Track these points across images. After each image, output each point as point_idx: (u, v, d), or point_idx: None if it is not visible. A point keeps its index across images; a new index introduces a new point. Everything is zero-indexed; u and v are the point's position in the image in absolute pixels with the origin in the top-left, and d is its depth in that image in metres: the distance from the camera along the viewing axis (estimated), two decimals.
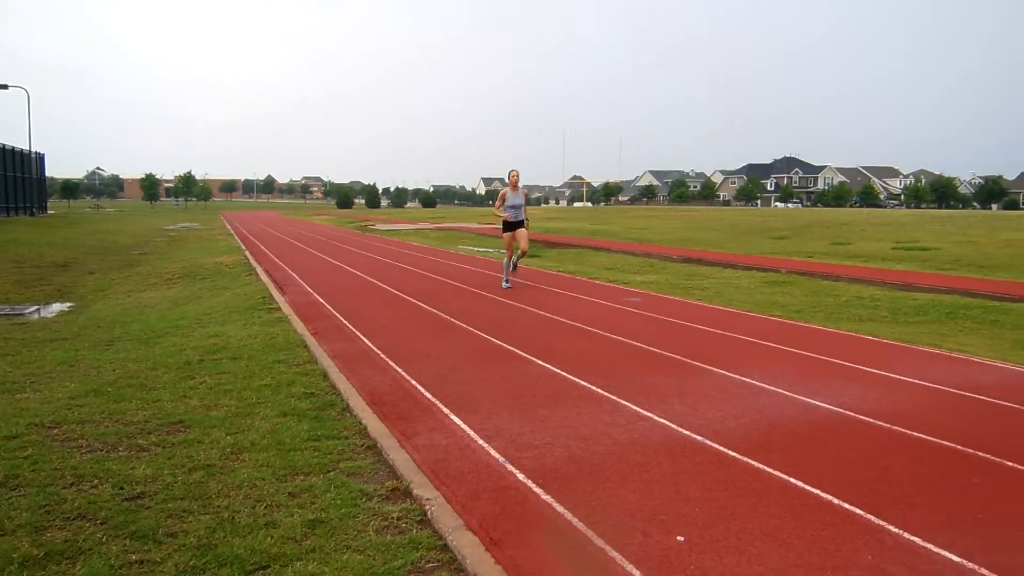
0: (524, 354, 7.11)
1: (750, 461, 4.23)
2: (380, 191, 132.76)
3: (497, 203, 12.20)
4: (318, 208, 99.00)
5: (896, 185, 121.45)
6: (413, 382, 6.04)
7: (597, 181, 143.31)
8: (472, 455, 4.34)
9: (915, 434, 4.74)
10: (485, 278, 14.26)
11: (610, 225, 38.93)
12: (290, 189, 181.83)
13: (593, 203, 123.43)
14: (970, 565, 3.05)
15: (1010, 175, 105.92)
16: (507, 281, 12.33)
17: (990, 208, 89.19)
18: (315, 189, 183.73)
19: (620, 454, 4.34)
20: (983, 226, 30.89)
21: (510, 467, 4.13)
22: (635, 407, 5.30)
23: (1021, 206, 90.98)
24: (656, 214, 54.52)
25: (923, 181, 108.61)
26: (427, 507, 3.62)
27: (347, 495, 3.79)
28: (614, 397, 5.56)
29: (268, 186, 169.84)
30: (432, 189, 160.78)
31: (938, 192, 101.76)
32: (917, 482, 3.96)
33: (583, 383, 5.98)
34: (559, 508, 3.58)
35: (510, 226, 12.11)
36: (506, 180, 12.37)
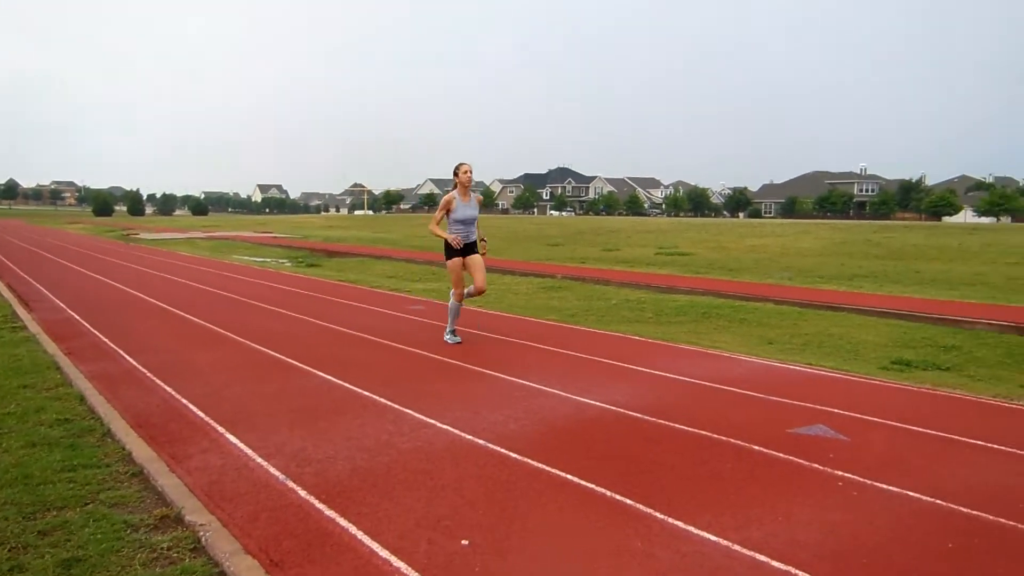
0: (304, 366, 6.91)
1: (530, 461, 4.38)
2: (144, 198, 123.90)
3: (438, 214, 7.95)
4: (72, 216, 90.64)
5: (658, 195, 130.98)
6: (184, 401, 5.68)
7: (378, 189, 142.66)
8: (250, 474, 4.15)
9: (677, 426, 5.13)
10: (260, 289, 13.72)
11: (392, 233, 38.83)
12: (37, 195, 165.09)
13: (374, 211, 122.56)
14: (724, 542, 3.34)
15: (753, 187, 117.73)
16: (453, 332, 8.27)
17: (737, 216, 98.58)
18: (68, 195, 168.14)
19: (405, 463, 4.33)
20: (731, 233, 34.04)
21: (291, 484, 3.99)
22: (419, 415, 5.31)
23: (763, 215, 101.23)
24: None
25: (681, 191, 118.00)
26: (201, 533, 3.42)
27: (109, 528, 3.49)
28: (398, 406, 5.54)
29: (10, 191, 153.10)
30: (203, 196, 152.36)
31: (694, 201, 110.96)
32: (679, 470, 4.28)
33: (366, 393, 5.92)
34: (343, 523, 3.51)
35: (457, 250, 7.98)
36: (452, 179, 8.05)
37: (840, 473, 4.23)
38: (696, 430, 5.03)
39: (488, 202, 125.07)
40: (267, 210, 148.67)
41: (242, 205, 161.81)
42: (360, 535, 3.39)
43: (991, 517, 3.65)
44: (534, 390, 6.09)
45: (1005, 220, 74.06)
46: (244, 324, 9.41)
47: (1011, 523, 3.59)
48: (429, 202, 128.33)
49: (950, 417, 5.53)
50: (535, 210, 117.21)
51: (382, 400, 5.72)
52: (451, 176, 8.10)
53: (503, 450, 4.58)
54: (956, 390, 6.43)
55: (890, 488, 4.02)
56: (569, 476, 4.14)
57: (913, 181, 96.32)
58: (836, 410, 5.57)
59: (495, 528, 3.47)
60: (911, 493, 3.95)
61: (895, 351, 8.04)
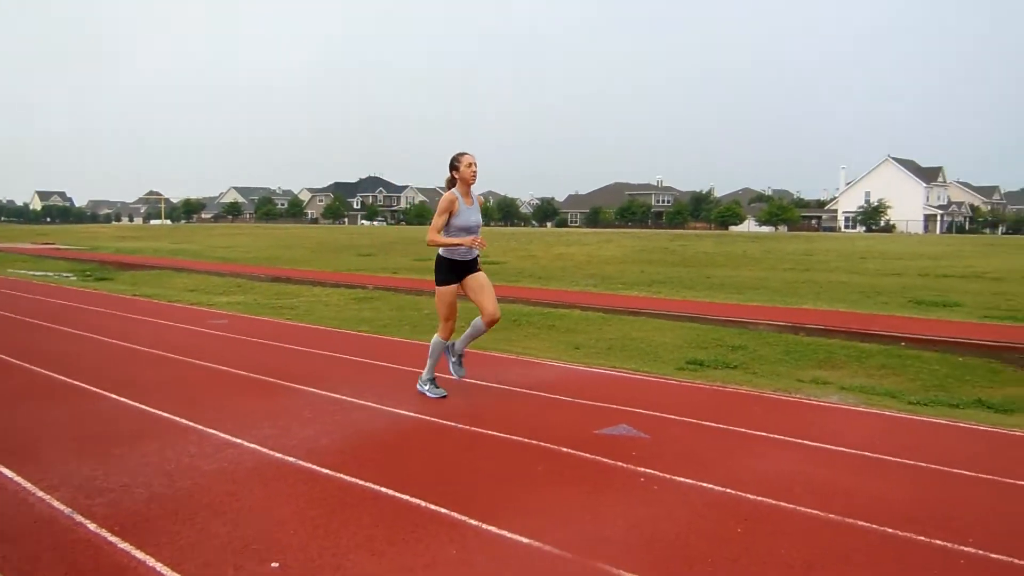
0: (96, 389, 6.40)
1: (343, 476, 4.29)
2: None
3: (438, 220, 5.99)
4: None
5: None
6: None
7: (177, 197, 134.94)
8: (30, 511, 3.78)
9: (490, 432, 5.21)
10: (42, 305, 12.58)
11: (193, 244, 36.84)
12: None
13: (173, 220, 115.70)
14: (536, 544, 3.43)
15: (560, 197, 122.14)
16: (433, 381, 6.29)
17: (546, 226, 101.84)
18: None
19: (208, 486, 4.11)
20: (540, 242, 35.14)
21: (79, 518, 3.68)
22: (224, 435, 5.06)
23: (569, 224, 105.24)
24: (242, 232, 52.87)
25: (491, 201, 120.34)
26: None
27: None
28: (200, 426, 5.25)
29: None
30: None
31: (504, 211, 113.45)
32: (493, 476, 4.36)
33: (165, 415, 5.56)
34: (139, 555, 3.28)
35: (457, 268, 6.12)
36: (452, 176, 6.13)
37: (642, 470, 4.46)
38: (509, 435, 5.13)
39: (296, 211, 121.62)
40: (48, 219, 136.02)
41: (18, 214, 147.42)
42: (159, 567, 3.17)
43: (773, 501, 3.98)
44: (347, 403, 5.98)
45: (782, 229, 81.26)
46: (24, 345, 8.58)
47: (791, 506, 3.93)
48: (233, 211, 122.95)
49: (738, 411, 5.99)
50: (346, 219, 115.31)
51: (183, 421, 5.40)
52: (448, 171, 6.12)
53: (314, 466, 4.46)
54: (743, 386, 6.97)
55: (687, 481, 4.29)
56: (383, 488, 4.10)
57: (703, 193, 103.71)
58: (638, 410, 5.88)
59: (306, 547, 3.37)
60: (705, 484, 4.23)
61: (690, 352, 8.60)
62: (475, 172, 6.09)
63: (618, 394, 6.43)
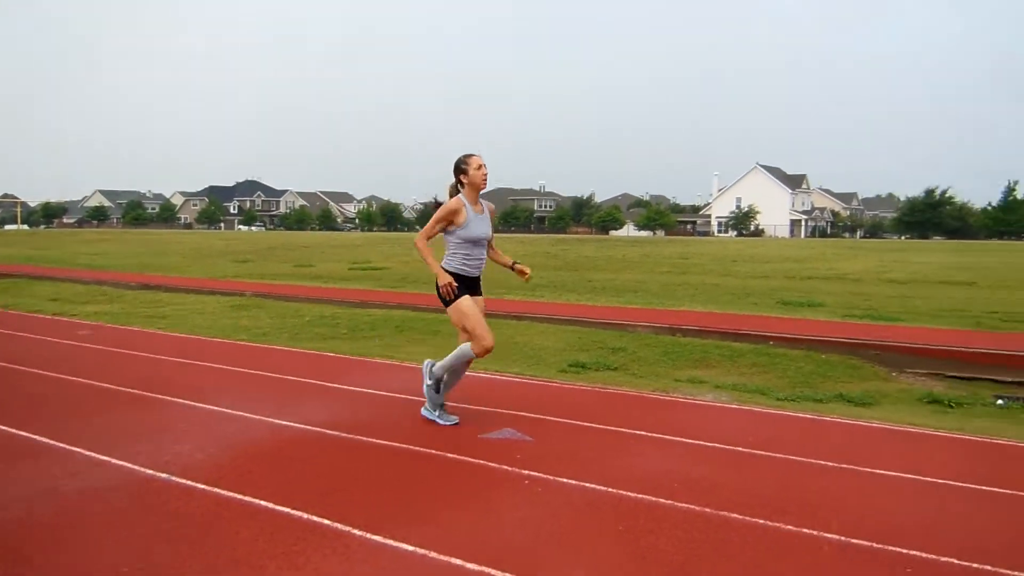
0: None
1: (220, 491, 4.14)
2: None
3: (433, 226, 5.37)
4: None
5: (351, 209, 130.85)
6: None
7: (35, 200, 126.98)
8: None
9: (375, 440, 5.14)
10: None
11: (54, 251, 34.75)
12: None
13: (30, 226, 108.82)
14: (422, 551, 3.41)
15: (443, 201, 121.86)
16: (442, 407, 5.65)
17: None
18: None
19: (72, 509, 3.88)
20: None
21: None
22: (91, 452, 4.79)
23: None
24: (109, 238, 50.27)
25: (374, 206, 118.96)
26: None
27: None
28: (65, 445, 4.95)
29: None
30: None
31: (387, 216, 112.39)
32: (378, 485, 4.30)
33: (24, 434, 5.22)
34: None
35: (466, 283, 5.46)
36: (458, 181, 5.49)
37: (527, 472, 4.51)
38: (394, 443, 5.08)
39: (168, 216, 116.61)
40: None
41: None
42: None
43: (652, 498, 4.10)
44: (225, 415, 5.78)
45: (660, 234, 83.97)
46: None
47: (669, 502, 4.06)
48: (98, 216, 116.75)
49: (618, 412, 6.14)
50: (222, 225, 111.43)
51: (44, 440, 5.07)
52: (454, 176, 5.46)
53: (189, 482, 4.28)
54: (623, 387, 7.15)
55: (570, 482, 4.36)
56: (262, 502, 3.98)
57: (585, 198, 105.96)
58: (522, 413, 5.93)
59: (179, 568, 3.23)
60: (588, 484, 4.32)
61: (572, 355, 8.75)
62: (486, 175, 5.46)
63: (502, 398, 6.48)
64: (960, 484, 4.43)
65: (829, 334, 9.49)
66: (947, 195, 76.08)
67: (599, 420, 5.79)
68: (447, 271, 5.39)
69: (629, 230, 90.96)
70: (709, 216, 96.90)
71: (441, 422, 5.54)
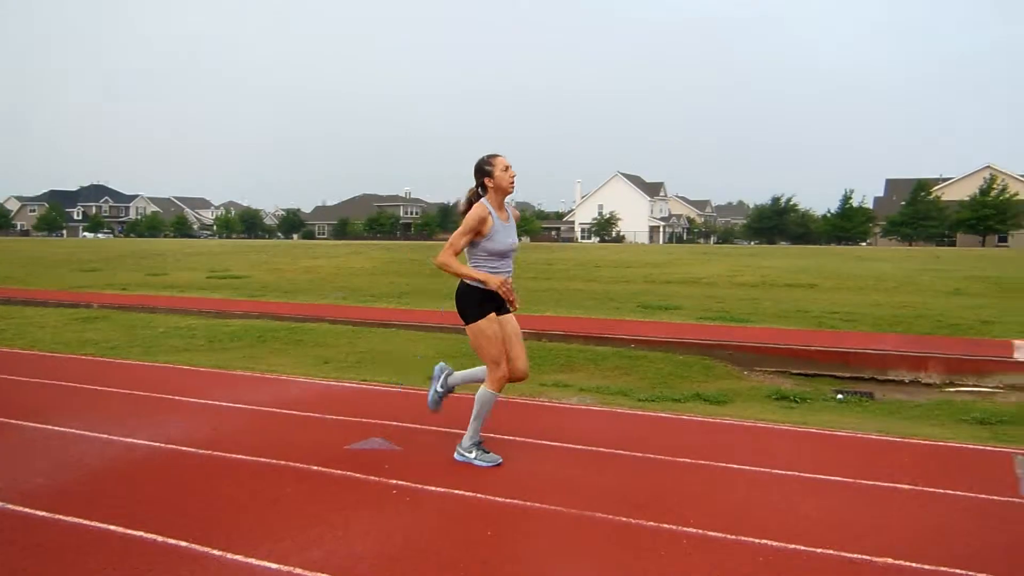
0: None
1: (64, 518, 3.87)
2: None
3: (460, 239, 4.63)
4: None
5: (208, 216, 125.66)
6: None
7: None
8: None
9: (235, 456, 4.95)
10: None
11: None
12: None
13: None
14: (285, 568, 3.31)
15: (307, 208, 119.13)
16: (479, 444, 4.93)
17: (292, 238, 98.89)
18: None
19: None
20: (286, 255, 34.04)
21: None
22: None
23: (317, 236, 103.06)
24: None
25: (233, 212, 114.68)
26: None
27: None
28: None
29: None
30: None
31: (247, 223, 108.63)
32: (237, 502, 4.14)
33: None
34: None
35: (494, 299, 4.73)
36: (481, 185, 4.78)
37: (395, 482, 4.46)
38: (255, 458, 4.91)
39: (3, 223, 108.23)
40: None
41: None
42: None
43: (521, 502, 4.15)
44: (71, 436, 5.41)
45: (525, 240, 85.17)
46: None
47: (537, 504, 4.12)
48: None
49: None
50: (64, 232, 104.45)
51: None
52: (474, 179, 4.79)
53: (29, 510, 3.98)
54: None
55: (439, 489, 4.34)
56: (112, 527, 3.75)
57: (450, 204, 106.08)
58: (390, 422, 5.87)
59: None
60: (457, 491, 4.31)
61: (440, 362, 8.72)
62: (514, 178, 4.77)
63: (370, 407, 6.38)
64: (807, 475, 4.71)
65: (686, 336, 9.90)
66: (791, 203, 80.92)
67: (465, 425, 5.79)
68: (472, 287, 4.66)
69: None
70: (573, 222, 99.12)
71: (481, 463, 4.80)
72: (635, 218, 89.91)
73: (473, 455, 4.85)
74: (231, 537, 3.64)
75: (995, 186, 64.14)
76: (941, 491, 4.39)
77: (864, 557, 3.49)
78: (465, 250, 4.71)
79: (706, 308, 13.82)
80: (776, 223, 79.62)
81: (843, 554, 3.52)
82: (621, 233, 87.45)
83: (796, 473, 4.73)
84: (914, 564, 3.41)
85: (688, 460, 4.99)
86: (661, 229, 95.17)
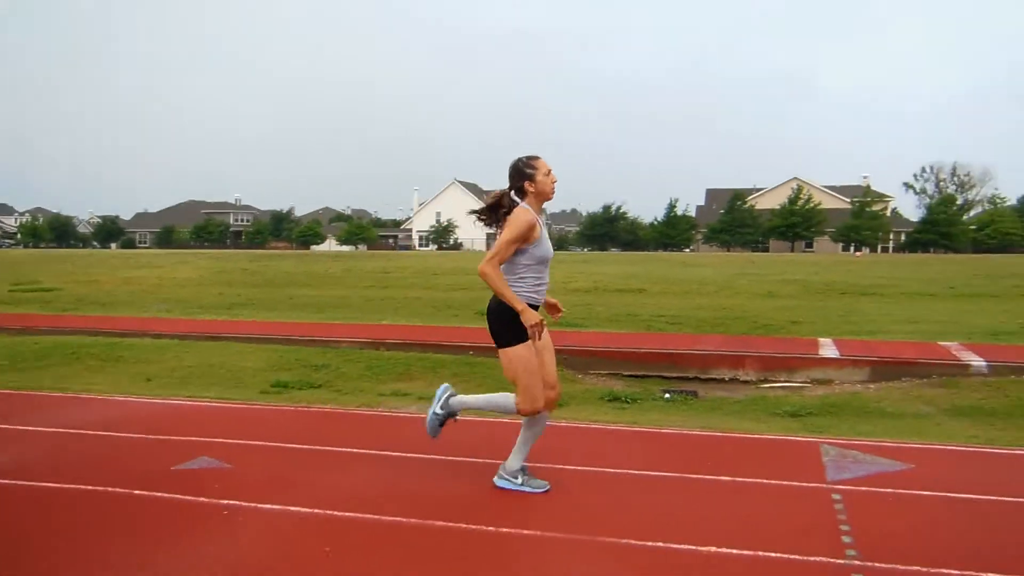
0: None
1: None
2: None
3: (505, 248, 4.21)
4: None
5: (11, 223, 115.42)
6: None
7: None
8: None
9: (47, 485, 4.56)
10: None
11: None
12: None
13: None
14: None
15: (126, 216, 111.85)
16: (527, 472, 4.57)
17: (109, 247, 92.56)
18: None
19: None
20: (103, 265, 31.84)
21: None
22: None
23: (138, 245, 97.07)
24: None
25: (41, 219, 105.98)
26: None
27: None
28: None
29: None
30: None
31: (58, 231, 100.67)
32: (52, 534, 3.82)
33: None
34: None
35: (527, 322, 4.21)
36: (520, 188, 4.37)
37: (226, 502, 4.26)
38: (69, 485, 4.55)
39: None
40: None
41: None
42: None
43: (360, 515, 4.07)
44: None
45: (362, 248, 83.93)
46: None
47: (377, 517, 4.06)
48: None
49: (324, 430, 6.03)
50: None
51: None
52: (513, 181, 4.38)
53: None
54: (328, 405, 7.03)
55: (274, 507, 4.19)
56: None
57: (284, 212, 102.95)
58: (220, 439, 5.61)
59: None
60: (293, 508, 4.18)
61: (274, 374, 8.45)
62: (555, 182, 4.43)
63: (197, 425, 6.07)
64: (637, 472, 4.91)
65: None
66: (621, 211, 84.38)
67: (303, 440, 5.64)
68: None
69: (331, 245, 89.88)
70: (411, 230, 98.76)
71: (528, 489, 4.46)
72: (473, 226, 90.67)
73: (520, 481, 4.50)
74: (34, 573, 3.35)
75: (801, 196, 69.91)
76: (757, 481, 4.70)
77: (690, 547, 3.67)
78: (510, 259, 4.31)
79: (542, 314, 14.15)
80: (607, 230, 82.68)
81: (671, 545, 3.69)
82: (459, 241, 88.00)
83: (627, 471, 4.92)
84: (735, 551, 3.63)
85: (527, 464, 5.07)
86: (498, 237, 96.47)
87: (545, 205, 4.48)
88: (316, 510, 4.15)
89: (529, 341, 4.26)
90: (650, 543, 3.72)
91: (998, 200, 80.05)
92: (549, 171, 4.37)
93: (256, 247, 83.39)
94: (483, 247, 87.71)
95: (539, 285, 4.36)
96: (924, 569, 3.43)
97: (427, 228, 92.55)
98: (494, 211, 4.39)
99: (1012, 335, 10.83)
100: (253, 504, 4.24)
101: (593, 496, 4.46)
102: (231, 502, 4.26)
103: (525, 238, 4.23)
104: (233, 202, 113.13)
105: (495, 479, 4.56)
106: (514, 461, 4.53)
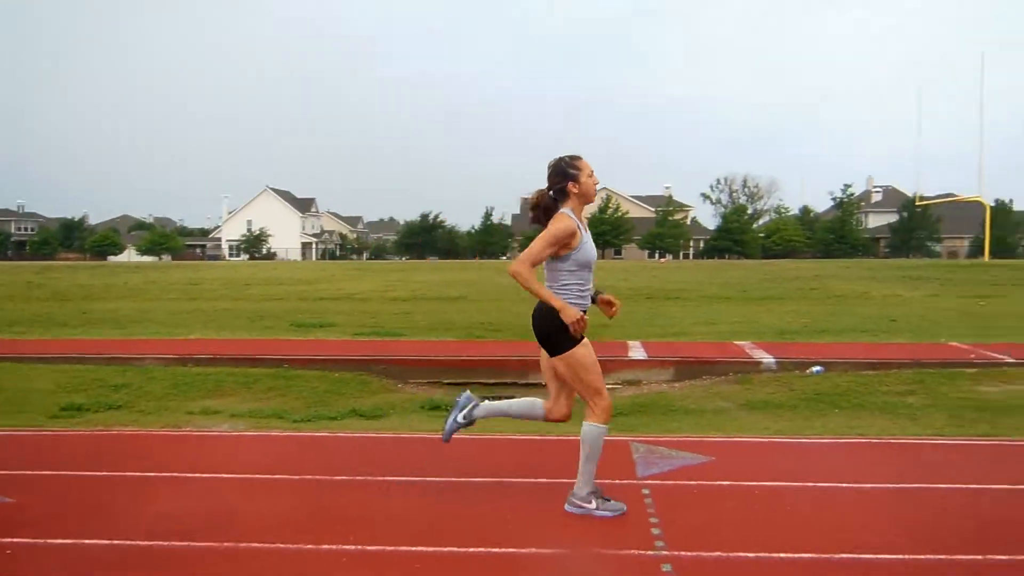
0: None
1: None
2: None
3: (544, 249, 4.07)
4: None
5: None
6: None
7: None
8: None
9: None
10: None
11: None
12: None
13: None
14: None
15: None
16: (599, 494, 4.27)
17: None
18: None
19: None
20: None
21: None
22: None
23: None
24: None
25: None
26: None
27: None
28: None
29: None
30: None
31: None
32: None
33: None
34: None
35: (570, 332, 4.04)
36: (561, 190, 4.18)
37: (7, 540, 3.86)
38: None
39: None
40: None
41: None
42: None
43: (166, 543, 3.82)
44: None
45: (166, 258, 79.27)
46: None
47: (186, 544, 3.82)
48: None
49: (124, 455, 5.63)
50: None
51: None
52: (555, 181, 4.21)
53: None
54: (129, 427, 6.56)
55: (65, 542, 3.85)
56: None
57: (75, 220, 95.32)
58: (0, 472, 5.08)
59: None
60: (87, 541, 3.85)
61: (65, 397, 7.77)
62: (597, 184, 4.29)
63: None
64: (453, 479, 4.93)
65: (341, 353, 9.89)
66: (439, 219, 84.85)
67: (101, 467, 5.23)
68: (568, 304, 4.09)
69: (130, 255, 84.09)
70: (220, 239, 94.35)
71: (604, 514, 4.18)
72: (286, 235, 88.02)
73: (593, 505, 4.21)
74: None
75: (611, 206, 73.37)
76: (573, 481, 4.85)
77: (509, 550, 3.73)
78: (551, 265, 4.17)
79: (361, 324, 13.92)
80: (426, 239, 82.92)
81: (492, 550, 3.74)
82: (272, 250, 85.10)
83: (444, 479, 4.93)
84: (554, 550, 3.73)
85: (345, 478, 4.97)
86: (314, 246, 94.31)
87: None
88: (114, 541, 3.85)
89: (583, 343, 4.13)
90: (471, 549, 3.75)
91: (783, 210, 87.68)
92: (592, 172, 4.25)
93: (44, 258, 76.52)
94: (298, 256, 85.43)
95: (584, 290, 4.24)
96: (725, 555, 3.67)
97: (238, 237, 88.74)
98: (534, 211, 4.29)
99: (796, 334, 11.87)
100: (41, 540, 3.86)
101: (412, 505, 4.43)
102: (14, 540, 3.87)
103: (565, 244, 4.11)
104: (15, 209, 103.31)
105: (566, 506, 4.28)
106: (588, 481, 4.26)
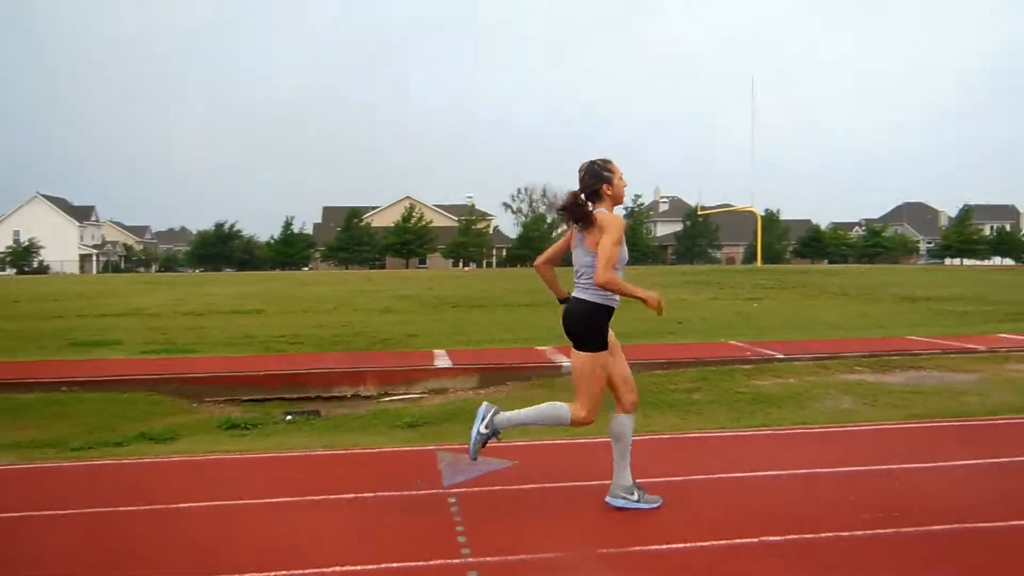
0: None
1: None
2: None
3: (615, 250, 4.07)
4: None
5: None
6: None
7: None
8: None
9: None
10: None
11: None
12: None
13: None
14: None
15: None
16: (638, 487, 4.40)
17: None
18: None
19: None
20: None
21: None
22: None
23: None
24: None
25: None
26: None
27: None
28: None
29: None
30: None
31: None
32: None
33: None
34: None
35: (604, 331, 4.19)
36: (596, 192, 4.24)
37: None
38: None
39: None
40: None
41: None
42: None
43: None
44: None
45: None
46: None
47: None
48: None
49: None
50: None
51: None
52: (588, 183, 4.28)
53: None
54: None
55: None
56: None
57: None
58: None
59: None
60: None
61: None
62: (626, 187, 4.39)
63: None
64: (253, 501, 4.73)
65: (128, 372, 9.21)
66: (235, 229, 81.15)
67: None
68: (604, 306, 4.19)
69: None
70: None
71: (644, 506, 4.36)
72: (61, 246, 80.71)
73: (635, 498, 4.38)
74: None
75: (414, 215, 73.42)
76: (379, 494, 4.79)
77: (312, 570, 3.62)
78: (588, 262, 4.20)
79: (149, 340, 13.03)
80: (221, 250, 79.06)
81: (294, 571, 3.61)
82: (45, 263, 77.76)
83: (243, 501, 4.72)
84: (359, 567, 3.66)
85: (131, 508, 4.62)
86: (94, 258, 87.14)
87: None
88: None
89: (607, 352, 4.24)
90: (272, 573, 3.60)
91: None
92: (622, 175, 4.36)
93: None
94: (76, 269, 78.59)
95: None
96: (528, 556, 3.77)
97: (3, 249, 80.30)
98: (565, 212, 4.28)
99: None
100: None
101: (208, 531, 4.20)
102: None
103: (622, 241, 4.18)
104: None
105: (608, 498, 4.41)
106: (623, 478, 4.40)
